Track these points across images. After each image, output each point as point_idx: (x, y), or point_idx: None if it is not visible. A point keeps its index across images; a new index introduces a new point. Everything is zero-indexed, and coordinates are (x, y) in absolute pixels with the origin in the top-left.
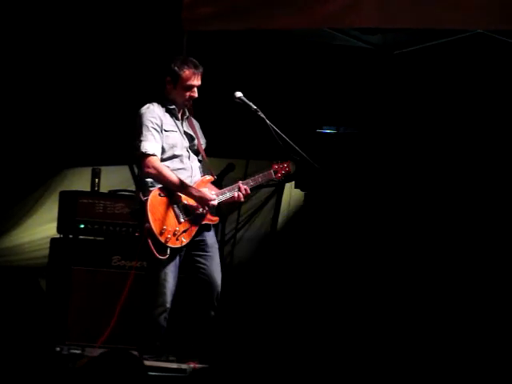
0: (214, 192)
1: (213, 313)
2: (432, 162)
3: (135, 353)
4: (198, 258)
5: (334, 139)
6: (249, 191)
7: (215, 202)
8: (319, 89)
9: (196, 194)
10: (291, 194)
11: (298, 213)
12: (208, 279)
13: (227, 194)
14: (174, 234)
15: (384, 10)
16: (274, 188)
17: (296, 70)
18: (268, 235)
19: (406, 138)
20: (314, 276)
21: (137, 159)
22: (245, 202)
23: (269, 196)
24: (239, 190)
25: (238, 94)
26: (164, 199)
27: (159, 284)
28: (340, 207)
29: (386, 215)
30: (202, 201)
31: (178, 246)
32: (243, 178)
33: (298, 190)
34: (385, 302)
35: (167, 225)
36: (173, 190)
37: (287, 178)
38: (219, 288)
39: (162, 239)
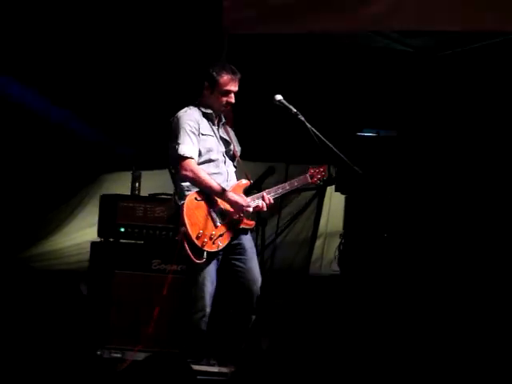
0: (249, 198)
1: (253, 316)
2: (473, 165)
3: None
4: (236, 262)
5: (375, 142)
6: (272, 201)
7: (250, 209)
8: (360, 92)
9: (232, 198)
10: (331, 197)
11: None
12: (247, 283)
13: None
14: (211, 238)
15: (425, 13)
16: (314, 192)
17: (337, 73)
18: (309, 239)
19: (449, 140)
20: (354, 282)
21: (174, 162)
22: (286, 205)
23: (310, 200)
24: (263, 199)
25: (278, 97)
26: (200, 203)
27: (198, 288)
28: (380, 210)
29: (426, 217)
30: (238, 206)
31: (215, 249)
32: (283, 182)
33: (339, 194)
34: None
35: (203, 229)
36: (209, 194)
37: (328, 181)
38: (259, 291)
39: (199, 243)
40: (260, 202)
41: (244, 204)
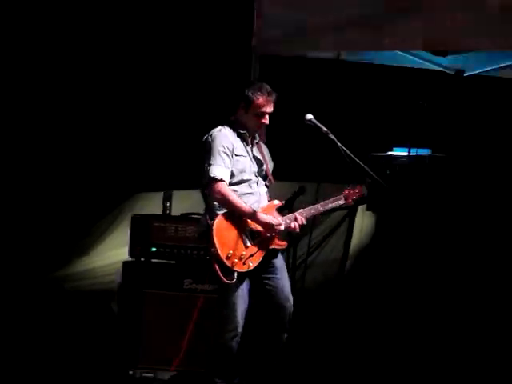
0: (280, 218)
1: (285, 335)
2: (505, 183)
3: (208, 376)
4: (268, 281)
5: (405, 161)
6: (304, 222)
7: (282, 227)
8: (390, 111)
9: (262, 219)
10: (364, 217)
11: (371, 236)
12: (279, 302)
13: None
14: (241, 259)
15: (455, 33)
16: (346, 211)
17: (366, 92)
18: (340, 259)
19: (476, 160)
20: (386, 299)
21: (205, 182)
22: (317, 225)
23: (341, 220)
24: (295, 220)
25: (309, 116)
26: (230, 223)
27: (229, 308)
28: (412, 228)
29: (456, 235)
30: (268, 226)
31: (245, 270)
32: (314, 201)
33: (370, 213)
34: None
35: (233, 249)
36: (239, 216)
37: (359, 200)
38: (291, 309)
39: (229, 263)
40: (292, 224)
41: (275, 223)
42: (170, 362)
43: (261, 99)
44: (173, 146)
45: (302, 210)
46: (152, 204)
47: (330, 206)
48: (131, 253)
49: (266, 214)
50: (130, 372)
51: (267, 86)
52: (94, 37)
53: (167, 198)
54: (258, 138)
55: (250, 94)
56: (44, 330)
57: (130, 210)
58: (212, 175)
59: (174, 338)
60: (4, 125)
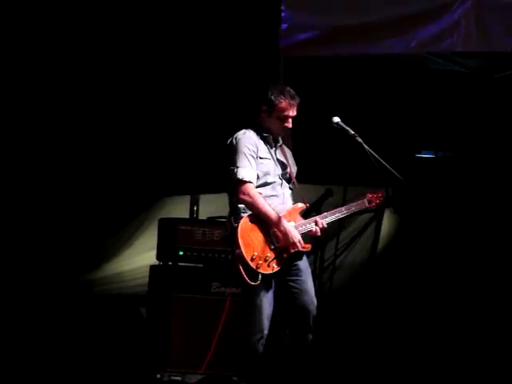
0: (304, 221)
1: (311, 336)
2: None
3: (235, 379)
4: (292, 283)
5: (432, 163)
6: (325, 225)
7: (299, 246)
8: (417, 113)
9: (285, 230)
10: (390, 219)
11: (395, 238)
12: (303, 303)
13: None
14: (265, 261)
15: (483, 34)
16: (373, 214)
17: (393, 95)
18: (368, 261)
19: (506, 161)
20: (413, 301)
21: (231, 185)
22: (344, 228)
23: (368, 221)
24: (316, 224)
25: (336, 119)
26: (255, 226)
27: (255, 310)
28: (437, 231)
29: (483, 237)
30: (288, 239)
31: (270, 272)
32: (341, 204)
33: (397, 216)
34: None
35: (258, 251)
36: (263, 220)
37: (385, 203)
38: (315, 311)
39: (253, 265)
40: (313, 227)
41: (295, 240)
42: (198, 366)
43: (284, 103)
44: (199, 150)
45: (325, 213)
46: (179, 208)
47: (354, 209)
48: (159, 256)
49: (289, 220)
50: (158, 375)
51: (290, 90)
52: (125, 41)
53: (195, 202)
54: (281, 141)
55: (272, 97)
56: (73, 333)
57: (157, 214)
58: (240, 177)
59: (202, 341)
60: (34, 128)
